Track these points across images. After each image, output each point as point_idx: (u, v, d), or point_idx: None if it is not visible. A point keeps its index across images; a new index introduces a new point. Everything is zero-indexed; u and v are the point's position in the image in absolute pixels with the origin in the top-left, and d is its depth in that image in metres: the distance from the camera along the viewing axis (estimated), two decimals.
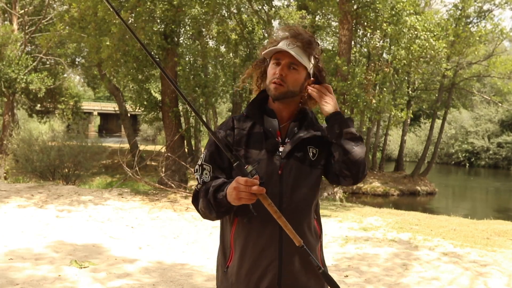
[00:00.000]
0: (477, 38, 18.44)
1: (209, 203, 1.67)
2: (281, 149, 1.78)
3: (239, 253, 1.76)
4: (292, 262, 1.76)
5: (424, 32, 13.17)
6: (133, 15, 12.53)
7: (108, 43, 12.33)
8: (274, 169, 1.75)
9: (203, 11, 13.73)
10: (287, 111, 1.84)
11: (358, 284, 4.74)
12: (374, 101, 13.10)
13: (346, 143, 1.75)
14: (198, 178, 1.78)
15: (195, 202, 1.81)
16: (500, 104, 26.74)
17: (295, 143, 1.79)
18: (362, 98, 12.77)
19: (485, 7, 20.89)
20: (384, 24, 12.74)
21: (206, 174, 1.76)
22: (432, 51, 13.77)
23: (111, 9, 1.48)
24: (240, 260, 1.76)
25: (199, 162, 1.80)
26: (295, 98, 1.83)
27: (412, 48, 13.37)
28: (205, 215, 1.76)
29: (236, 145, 1.78)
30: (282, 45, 1.78)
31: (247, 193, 1.51)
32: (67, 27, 15.87)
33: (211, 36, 17.63)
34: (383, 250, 6.09)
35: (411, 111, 17.84)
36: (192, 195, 1.83)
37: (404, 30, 12.88)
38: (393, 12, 12.80)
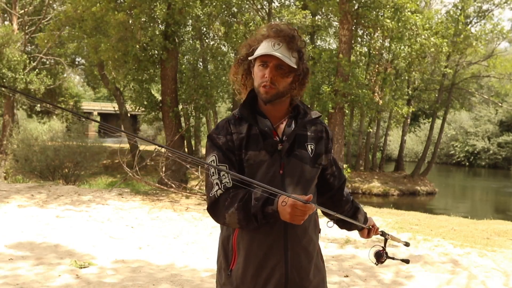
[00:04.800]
0: (478, 38, 18.44)
1: (252, 216, 1.63)
2: (279, 148, 1.77)
3: (243, 256, 1.75)
4: (299, 260, 1.76)
5: (425, 31, 13.18)
6: (132, 15, 12.52)
7: (106, 45, 12.32)
8: (275, 169, 1.75)
9: (207, 11, 13.74)
10: (279, 110, 1.84)
11: (358, 284, 4.74)
12: (381, 101, 13.11)
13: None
14: (218, 182, 1.71)
15: (214, 210, 1.73)
16: (500, 104, 26.74)
17: (292, 140, 1.79)
18: (364, 97, 12.77)
19: (485, 7, 20.90)
20: (387, 20, 12.72)
21: (224, 175, 1.72)
22: (433, 49, 13.78)
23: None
24: (245, 263, 1.74)
25: (214, 165, 1.75)
26: (285, 98, 1.82)
27: (414, 46, 13.38)
28: (236, 225, 1.70)
29: (237, 150, 1.76)
30: (266, 46, 1.75)
31: (305, 214, 1.56)
32: (66, 27, 15.87)
33: (213, 36, 17.61)
34: None
35: (412, 108, 17.80)
36: (209, 202, 1.74)
37: (406, 26, 12.89)
38: (394, 9, 12.80)
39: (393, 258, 2.08)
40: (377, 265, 2.06)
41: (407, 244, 2.18)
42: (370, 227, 2.04)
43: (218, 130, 1.81)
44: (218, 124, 1.85)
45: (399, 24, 12.72)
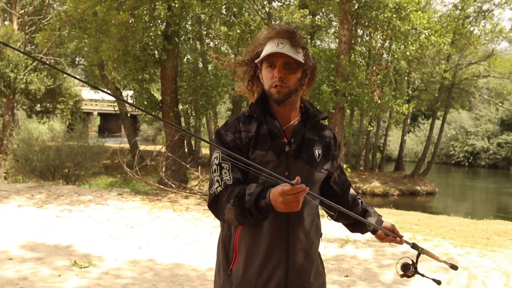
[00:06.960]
0: (477, 39, 18.43)
1: (247, 212, 1.61)
2: (287, 149, 1.77)
3: (244, 256, 1.75)
4: (299, 261, 1.76)
5: (425, 30, 13.15)
6: (134, 16, 12.52)
7: (107, 44, 12.31)
8: (281, 171, 1.75)
9: (208, 12, 13.73)
10: (289, 111, 1.83)
11: (358, 284, 4.74)
12: (379, 101, 13.09)
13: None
14: (219, 179, 1.71)
15: (214, 207, 1.73)
16: (500, 104, 26.73)
17: (300, 142, 1.80)
18: (364, 97, 12.75)
19: (485, 7, 20.90)
20: (393, 18, 12.65)
21: (225, 173, 1.72)
22: (433, 48, 13.73)
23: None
24: (246, 263, 1.74)
25: (216, 162, 1.74)
26: (295, 97, 1.82)
27: (413, 47, 13.35)
28: (234, 222, 1.69)
29: (245, 148, 1.76)
30: (270, 47, 1.76)
31: (297, 198, 1.50)
32: (67, 27, 15.86)
33: (213, 36, 17.58)
34: (383, 250, 6.09)
35: (412, 105, 17.76)
36: (210, 199, 1.75)
37: (409, 26, 12.85)
38: (396, 8, 12.74)
39: (422, 275, 1.90)
40: (402, 277, 1.92)
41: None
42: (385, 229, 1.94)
43: (227, 127, 1.81)
44: (227, 121, 1.85)
45: (405, 22, 12.66)
